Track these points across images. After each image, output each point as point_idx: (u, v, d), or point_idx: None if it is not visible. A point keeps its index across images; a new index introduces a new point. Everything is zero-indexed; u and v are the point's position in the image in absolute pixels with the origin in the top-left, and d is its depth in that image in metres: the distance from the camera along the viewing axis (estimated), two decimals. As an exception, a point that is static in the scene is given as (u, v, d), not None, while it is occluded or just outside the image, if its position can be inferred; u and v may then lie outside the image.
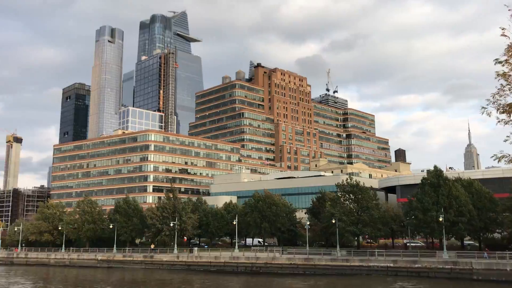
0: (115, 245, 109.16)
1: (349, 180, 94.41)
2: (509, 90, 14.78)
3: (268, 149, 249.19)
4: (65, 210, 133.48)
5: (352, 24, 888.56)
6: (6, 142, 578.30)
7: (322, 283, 67.77)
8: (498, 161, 15.31)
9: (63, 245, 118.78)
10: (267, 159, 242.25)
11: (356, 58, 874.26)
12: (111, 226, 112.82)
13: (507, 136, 15.16)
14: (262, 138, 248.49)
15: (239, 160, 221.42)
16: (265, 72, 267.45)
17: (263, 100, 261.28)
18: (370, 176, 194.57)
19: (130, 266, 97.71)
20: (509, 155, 15.27)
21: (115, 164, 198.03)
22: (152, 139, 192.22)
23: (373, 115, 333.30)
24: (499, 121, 15.08)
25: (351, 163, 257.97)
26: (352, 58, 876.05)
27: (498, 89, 14.99)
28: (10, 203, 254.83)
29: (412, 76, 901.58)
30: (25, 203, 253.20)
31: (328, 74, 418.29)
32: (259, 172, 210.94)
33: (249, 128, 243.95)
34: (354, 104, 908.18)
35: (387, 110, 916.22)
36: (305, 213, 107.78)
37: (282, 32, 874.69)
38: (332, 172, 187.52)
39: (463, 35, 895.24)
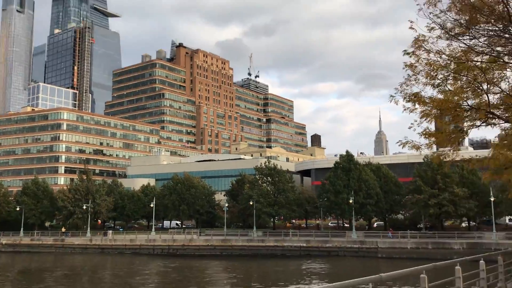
0: (22, 229, 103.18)
1: (267, 164, 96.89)
2: (415, 80, 15.75)
3: (188, 131, 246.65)
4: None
5: (274, 9, 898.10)
6: None
7: (236, 265, 69.05)
8: (403, 147, 16.42)
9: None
10: (188, 141, 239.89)
11: (276, 44, 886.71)
12: (17, 209, 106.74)
13: (411, 124, 16.25)
14: (183, 120, 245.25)
15: (158, 142, 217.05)
16: (187, 53, 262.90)
17: (184, 81, 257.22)
18: (287, 159, 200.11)
19: (38, 250, 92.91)
20: (412, 141, 16.40)
21: (23, 143, 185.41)
22: (65, 117, 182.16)
23: (292, 101, 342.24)
24: (405, 109, 16.08)
25: (270, 147, 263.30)
26: (273, 43, 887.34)
27: (405, 79, 15.90)
28: None
29: (329, 64, 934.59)
30: None
31: (250, 59, 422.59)
32: (179, 155, 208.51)
33: (169, 110, 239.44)
34: (274, 90, 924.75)
35: (305, 97, 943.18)
36: (224, 195, 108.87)
37: (206, 14, 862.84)
38: (252, 156, 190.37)
39: (377, 28, 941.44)
